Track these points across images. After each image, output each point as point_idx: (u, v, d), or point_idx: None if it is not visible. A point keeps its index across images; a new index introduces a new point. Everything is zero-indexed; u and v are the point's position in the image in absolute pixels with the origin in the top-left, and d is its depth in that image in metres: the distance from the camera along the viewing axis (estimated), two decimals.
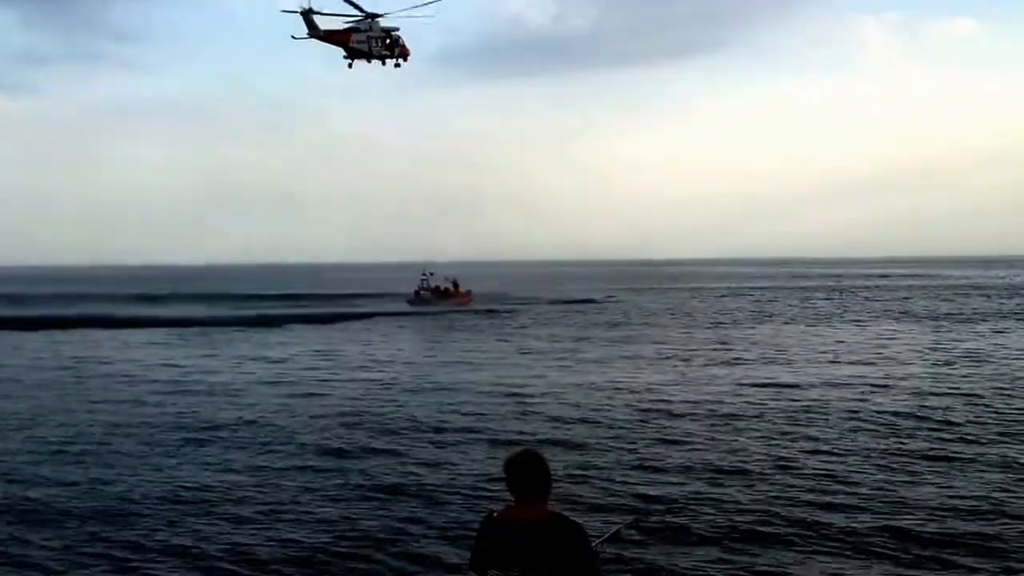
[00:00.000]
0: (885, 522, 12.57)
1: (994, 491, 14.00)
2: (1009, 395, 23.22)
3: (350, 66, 33.77)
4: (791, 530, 12.39)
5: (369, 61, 34.34)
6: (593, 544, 5.30)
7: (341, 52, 33.39)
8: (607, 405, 22.78)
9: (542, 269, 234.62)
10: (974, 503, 13.36)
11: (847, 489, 14.33)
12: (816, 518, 12.83)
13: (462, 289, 73.80)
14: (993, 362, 30.38)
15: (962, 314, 55.26)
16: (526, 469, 5.23)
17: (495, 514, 5.31)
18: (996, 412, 20.79)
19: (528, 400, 23.78)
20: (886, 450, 17.00)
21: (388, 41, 34.93)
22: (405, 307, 68.84)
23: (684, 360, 33.00)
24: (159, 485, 15.08)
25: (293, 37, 32.03)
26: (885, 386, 25.02)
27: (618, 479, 15.20)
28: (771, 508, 13.33)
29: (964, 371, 28.16)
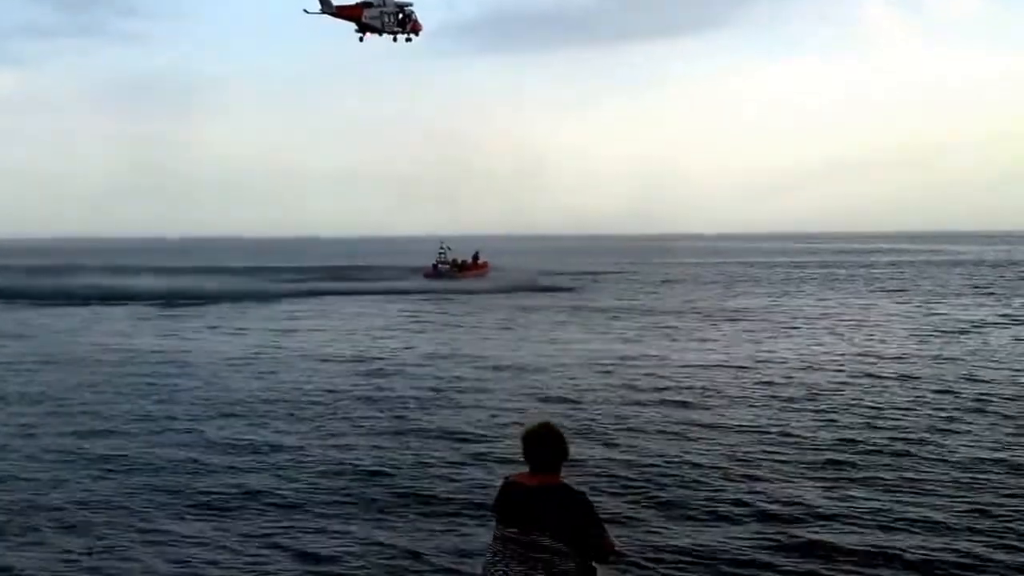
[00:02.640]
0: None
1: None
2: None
3: (361, 39, 34.42)
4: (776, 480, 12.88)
5: (381, 35, 34.98)
6: None
7: (353, 27, 34.13)
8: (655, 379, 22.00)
9: (549, 244, 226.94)
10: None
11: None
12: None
13: (480, 261, 74.81)
14: None
15: None
16: (542, 442, 5.51)
17: (510, 478, 5.69)
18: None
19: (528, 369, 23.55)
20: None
21: (401, 17, 35.49)
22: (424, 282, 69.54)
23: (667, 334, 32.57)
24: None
25: (306, 12, 32.45)
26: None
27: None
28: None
29: None
